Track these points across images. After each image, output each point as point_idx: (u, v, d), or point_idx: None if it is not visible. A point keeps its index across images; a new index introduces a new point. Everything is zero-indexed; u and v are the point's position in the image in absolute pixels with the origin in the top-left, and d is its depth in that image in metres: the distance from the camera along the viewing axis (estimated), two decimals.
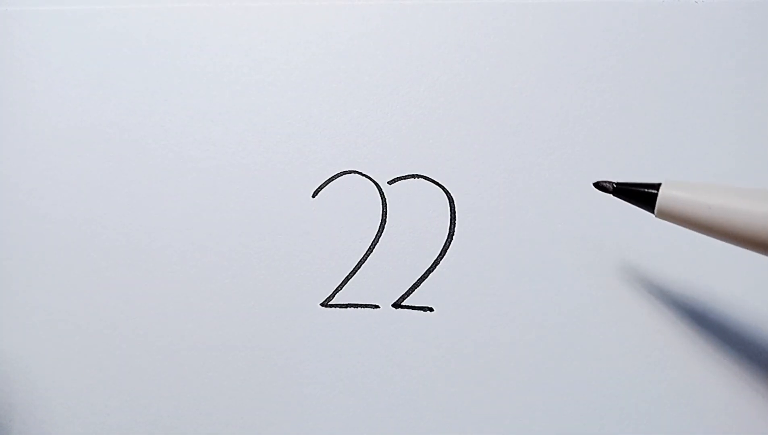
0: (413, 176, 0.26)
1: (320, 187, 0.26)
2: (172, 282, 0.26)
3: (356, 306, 0.25)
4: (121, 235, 0.26)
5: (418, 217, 0.26)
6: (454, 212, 0.26)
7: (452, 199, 0.26)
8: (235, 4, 0.27)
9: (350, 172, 0.26)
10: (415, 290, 0.25)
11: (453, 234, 0.26)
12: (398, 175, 0.26)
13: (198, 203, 0.26)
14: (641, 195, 0.21)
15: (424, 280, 0.25)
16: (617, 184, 0.21)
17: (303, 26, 0.27)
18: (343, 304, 0.25)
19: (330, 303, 0.25)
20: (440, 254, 0.25)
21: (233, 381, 0.25)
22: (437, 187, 0.26)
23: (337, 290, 0.25)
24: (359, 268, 0.26)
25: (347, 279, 0.26)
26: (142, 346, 0.25)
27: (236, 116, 0.27)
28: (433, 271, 0.25)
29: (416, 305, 0.25)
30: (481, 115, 0.26)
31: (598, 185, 0.22)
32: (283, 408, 0.25)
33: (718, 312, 0.24)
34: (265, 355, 0.25)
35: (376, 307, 0.25)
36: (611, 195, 0.22)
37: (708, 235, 0.20)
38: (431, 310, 0.25)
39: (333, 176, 0.26)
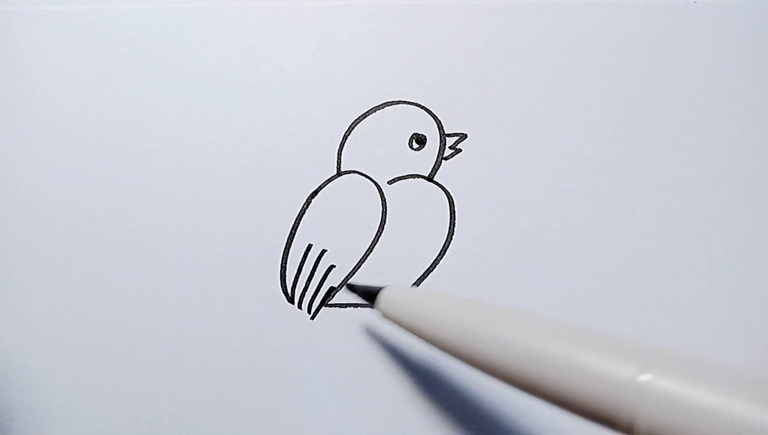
0: (413, 176, 0.26)
1: (320, 187, 0.26)
2: (171, 282, 0.26)
3: (355, 305, 0.25)
4: (121, 235, 0.26)
5: (418, 217, 0.26)
6: (454, 212, 0.26)
7: (452, 199, 0.26)
8: (235, 4, 0.27)
9: (350, 172, 0.26)
10: None
11: (452, 234, 0.26)
12: (398, 175, 0.26)
13: (198, 203, 0.26)
14: (368, 294, 0.22)
15: (423, 280, 0.25)
16: (352, 285, 0.24)
17: (303, 26, 0.27)
18: (343, 304, 0.25)
19: (329, 302, 0.25)
20: (440, 254, 0.25)
21: (232, 380, 0.25)
22: (437, 187, 0.26)
23: (336, 289, 0.25)
24: (359, 267, 0.26)
25: (347, 278, 0.26)
26: (142, 346, 0.25)
27: (236, 116, 0.27)
28: (432, 270, 0.25)
29: None
30: (480, 114, 0.26)
31: (348, 286, 0.25)
32: (281, 407, 0.25)
33: (718, 311, 0.24)
34: (265, 354, 0.25)
35: None
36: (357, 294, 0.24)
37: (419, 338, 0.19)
38: None
39: (333, 176, 0.26)
